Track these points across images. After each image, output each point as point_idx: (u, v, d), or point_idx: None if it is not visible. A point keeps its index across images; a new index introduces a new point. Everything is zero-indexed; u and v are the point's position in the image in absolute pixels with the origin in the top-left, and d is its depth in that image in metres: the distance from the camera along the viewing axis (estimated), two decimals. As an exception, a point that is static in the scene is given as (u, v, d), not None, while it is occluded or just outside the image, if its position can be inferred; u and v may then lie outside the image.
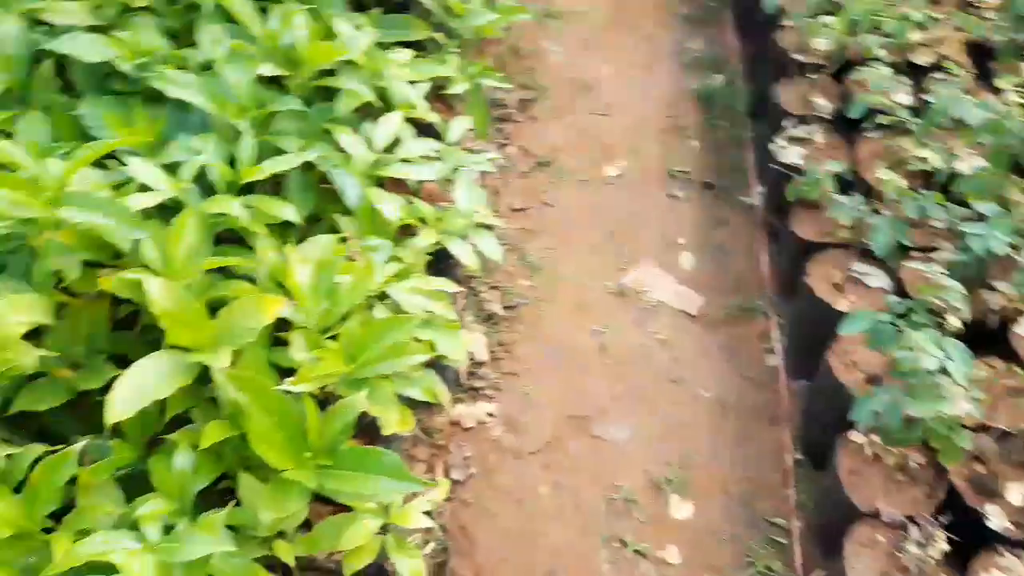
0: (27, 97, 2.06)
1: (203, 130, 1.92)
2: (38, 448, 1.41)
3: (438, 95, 2.47)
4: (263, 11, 2.07)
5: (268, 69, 1.88)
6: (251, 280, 1.71)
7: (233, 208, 1.68)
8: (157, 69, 1.93)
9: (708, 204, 2.83)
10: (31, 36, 2.05)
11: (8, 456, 1.40)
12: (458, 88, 2.37)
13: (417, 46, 2.53)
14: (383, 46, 2.24)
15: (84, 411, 1.66)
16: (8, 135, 1.92)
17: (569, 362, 2.41)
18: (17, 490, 1.37)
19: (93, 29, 2.07)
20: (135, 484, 1.50)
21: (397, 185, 2.10)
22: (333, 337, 1.63)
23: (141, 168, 1.68)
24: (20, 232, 1.59)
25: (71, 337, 1.61)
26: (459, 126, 2.23)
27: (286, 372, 1.62)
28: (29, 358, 1.40)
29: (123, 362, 1.75)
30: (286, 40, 1.94)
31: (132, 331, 1.72)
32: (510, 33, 3.17)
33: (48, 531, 1.37)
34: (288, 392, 1.46)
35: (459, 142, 2.24)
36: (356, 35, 2.00)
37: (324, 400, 1.57)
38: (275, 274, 1.74)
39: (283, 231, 1.84)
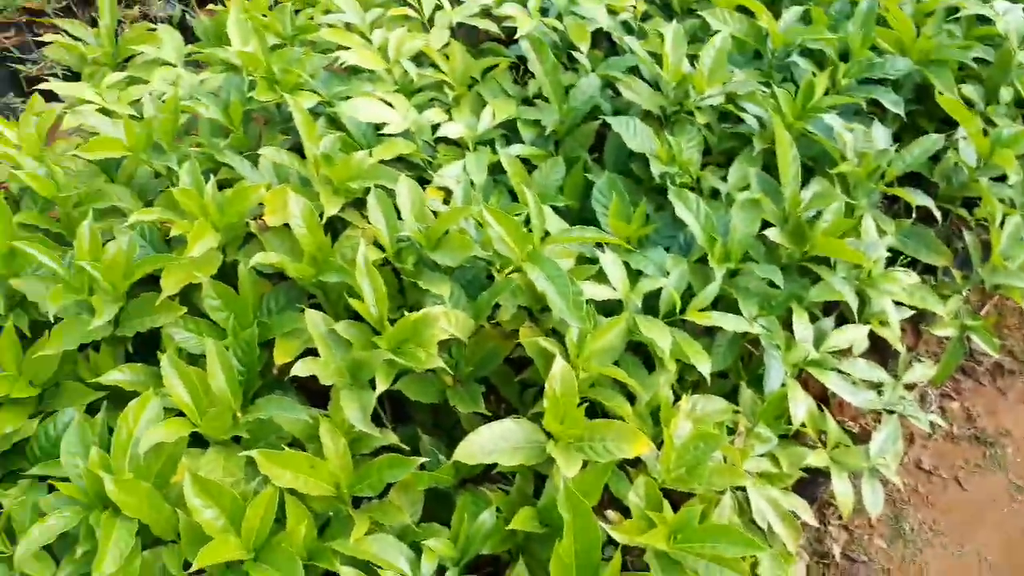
0: (564, 141, 2.28)
1: (685, 252, 1.94)
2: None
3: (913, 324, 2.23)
4: (806, 182, 2.03)
5: (773, 233, 1.83)
6: (631, 398, 1.71)
7: (660, 336, 1.67)
8: (679, 181, 2.01)
9: None
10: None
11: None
12: (941, 331, 2.11)
13: (926, 269, 2.31)
14: (893, 257, 2.06)
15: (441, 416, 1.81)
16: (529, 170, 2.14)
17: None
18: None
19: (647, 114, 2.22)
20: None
21: (808, 387, 1.93)
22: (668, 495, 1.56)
23: (611, 264, 1.75)
24: (491, 262, 1.76)
25: (470, 356, 1.75)
26: (919, 372, 1.98)
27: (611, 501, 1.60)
28: (431, 361, 1.54)
29: (493, 395, 1.89)
30: (807, 215, 1.87)
31: (516, 375, 1.83)
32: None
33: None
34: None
35: (910, 384, 1.99)
36: (876, 243, 1.86)
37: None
38: (652, 406, 1.72)
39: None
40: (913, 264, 2.35)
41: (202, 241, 1.70)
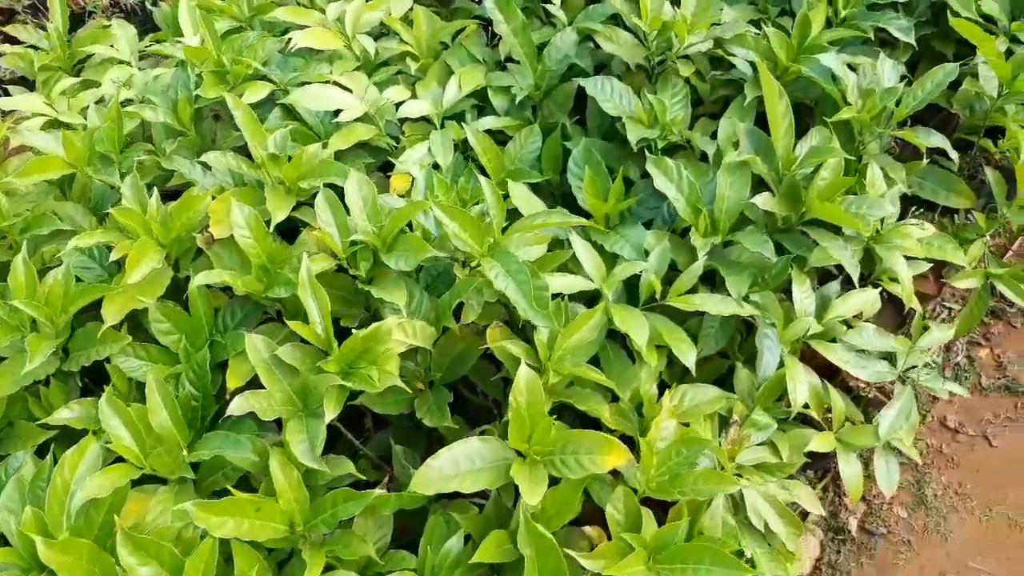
0: (542, 105, 2.03)
1: (670, 223, 1.71)
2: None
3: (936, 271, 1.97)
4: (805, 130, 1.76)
5: (762, 200, 1.58)
6: (615, 396, 1.52)
7: (637, 327, 1.47)
8: (661, 144, 1.76)
9: None
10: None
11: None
12: (963, 283, 1.84)
13: (946, 211, 2.03)
14: (907, 204, 1.79)
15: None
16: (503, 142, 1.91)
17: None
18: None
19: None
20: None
21: (814, 358, 1.71)
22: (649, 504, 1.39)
23: (583, 251, 1.54)
24: (453, 259, 1.57)
25: (439, 360, 1.58)
26: (936, 335, 1.73)
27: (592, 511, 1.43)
28: (387, 380, 1.36)
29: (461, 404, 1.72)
30: (803, 173, 1.61)
31: (493, 375, 1.65)
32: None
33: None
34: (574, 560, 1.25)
35: (927, 348, 1.74)
36: (879, 202, 1.59)
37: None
38: (636, 399, 1.53)
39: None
40: (932, 206, 2.07)
41: (144, 263, 1.54)
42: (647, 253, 1.60)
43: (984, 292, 1.87)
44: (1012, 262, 2.27)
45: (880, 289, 1.77)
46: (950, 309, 2.17)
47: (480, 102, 2.04)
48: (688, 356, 1.49)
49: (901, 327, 2.01)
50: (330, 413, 1.34)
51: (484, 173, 1.87)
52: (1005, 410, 2.09)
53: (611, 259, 1.61)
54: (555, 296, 1.50)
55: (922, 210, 2.03)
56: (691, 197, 1.63)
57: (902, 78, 2.01)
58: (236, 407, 1.33)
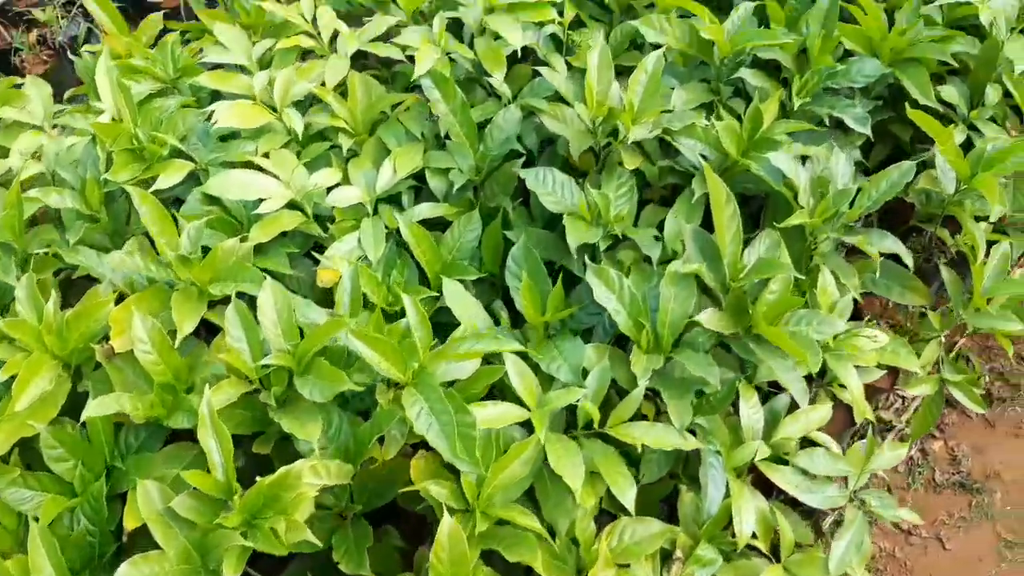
0: (485, 186, 1.91)
1: (612, 332, 1.61)
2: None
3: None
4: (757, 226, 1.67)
5: (708, 317, 1.48)
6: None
7: (572, 466, 1.35)
8: (601, 247, 1.65)
9: None
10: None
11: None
12: (915, 391, 1.77)
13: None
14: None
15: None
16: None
17: None
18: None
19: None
20: None
21: (762, 482, 1.61)
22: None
23: (516, 377, 1.42)
24: (376, 386, 1.44)
25: (359, 493, 1.46)
26: (889, 456, 1.65)
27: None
28: (296, 533, 1.24)
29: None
30: (752, 283, 1.51)
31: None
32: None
33: None
34: None
35: (875, 470, 1.66)
36: (831, 320, 1.49)
37: None
38: (571, 534, 1.42)
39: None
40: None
41: (34, 385, 1.40)
42: (587, 372, 1.49)
43: (938, 397, 1.80)
44: (965, 347, 2.21)
45: (831, 403, 1.68)
46: (903, 398, 2.10)
47: (419, 182, 1.91)
48: (627, 494, 1.38)
49: (852, 426, 1.93)
50: (231, 574, 1.21)
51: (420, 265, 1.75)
52: (959, 509, 2.02)
53: (548, 379, 1.50)
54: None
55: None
56: (633, 310, 1.52)
57: (857, 164, 1.93)
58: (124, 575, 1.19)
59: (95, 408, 1.36)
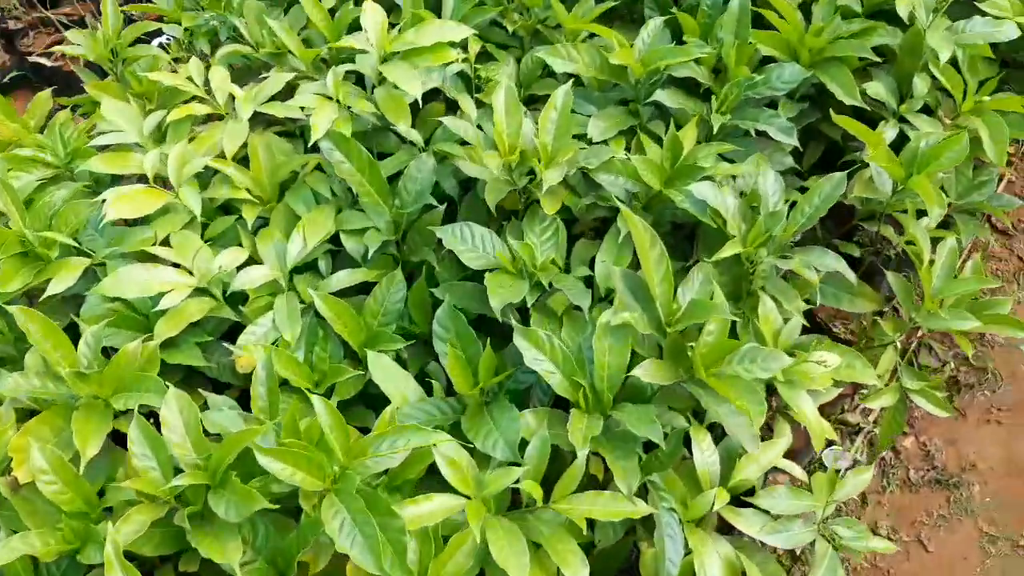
0: (407, 239, 1.81)
1: (550, 393, 1.51)
2: None
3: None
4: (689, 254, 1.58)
5: (645, 371, 1.38)
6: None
7: (515, 555, 1.26)
8: (528, 301, 1.56)
9: None
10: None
11: None
12: (876, 403, 1.69)
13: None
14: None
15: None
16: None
17: None
18: None
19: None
20: None
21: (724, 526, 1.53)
22: None
23: (444, 464, 1.31)
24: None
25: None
26: (854, 483, 1.56)
27: None
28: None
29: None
30: (689, 325, 1.42)
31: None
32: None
33: None
34: None
35: (841, 500, 1.58)
36: (775, 355, 1.40)
37: None
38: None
39: None
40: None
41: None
42: (525, 443, 1.39)
43: (900, 405, 1.73)
44: (925, 338, 2.14)
45: (789, 428, 1.61)
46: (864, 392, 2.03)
47: (335, 244, 1.80)
48: (580, 575, 1.29)
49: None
50: None
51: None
52: (938, 506, 1.96)
53: (485, 458, 1.40)
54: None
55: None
56: (567, 369, 1.43)
57: (790, 170, 1.85)
58: None
59: (4, 555, 1.24)
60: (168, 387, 1.37)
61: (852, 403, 2.04)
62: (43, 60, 2.17)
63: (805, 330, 1.68)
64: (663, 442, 1.34)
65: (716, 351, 1.39)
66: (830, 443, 1.94)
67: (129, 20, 2.25)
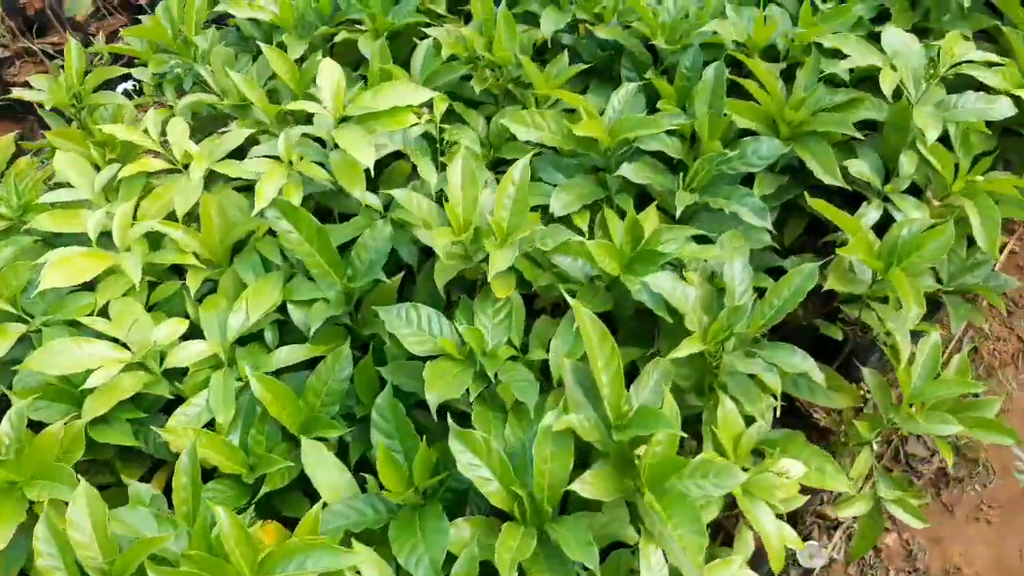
0: (361, 308, 1.72)
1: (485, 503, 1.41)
2: None
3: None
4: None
5: (583, 486, 1.29)
6: None
7: None
8: (472, 394, 1.46)
9: None
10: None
11: None
12: (847, 513, 1.58)
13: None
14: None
15: None
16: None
17: None
18: None
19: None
20: None
21: None
22: None
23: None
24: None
25: None
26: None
27: None
28: None
29: None
30: (632, 419, 1.32)
31: None
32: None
33: None
34: None
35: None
36: (725, 473, 1.29)
37: None
38: None
39: None
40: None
41: None
42: (453, 560, 1.29)
43: (876, 514, 1.61)
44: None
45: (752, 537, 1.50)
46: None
47: (283, 315, 1.72)
48: None
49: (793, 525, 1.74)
50: None
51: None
52: (916, 613, 1.83)
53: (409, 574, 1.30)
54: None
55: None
56: (504, 477, 1.33)
57: (768, 248, 1.74)
58: None
59: None
60: (80, 480, 1.29)
61: (832, 494, 1.93)
62: (24, 93, 2.11)
63: (785, 411, 1.58)
64: (598, 569, 1.24)
65: (665, 467, 1.28)
66: (806, 538, 1.83)
67: (116, 59, 2.19)
